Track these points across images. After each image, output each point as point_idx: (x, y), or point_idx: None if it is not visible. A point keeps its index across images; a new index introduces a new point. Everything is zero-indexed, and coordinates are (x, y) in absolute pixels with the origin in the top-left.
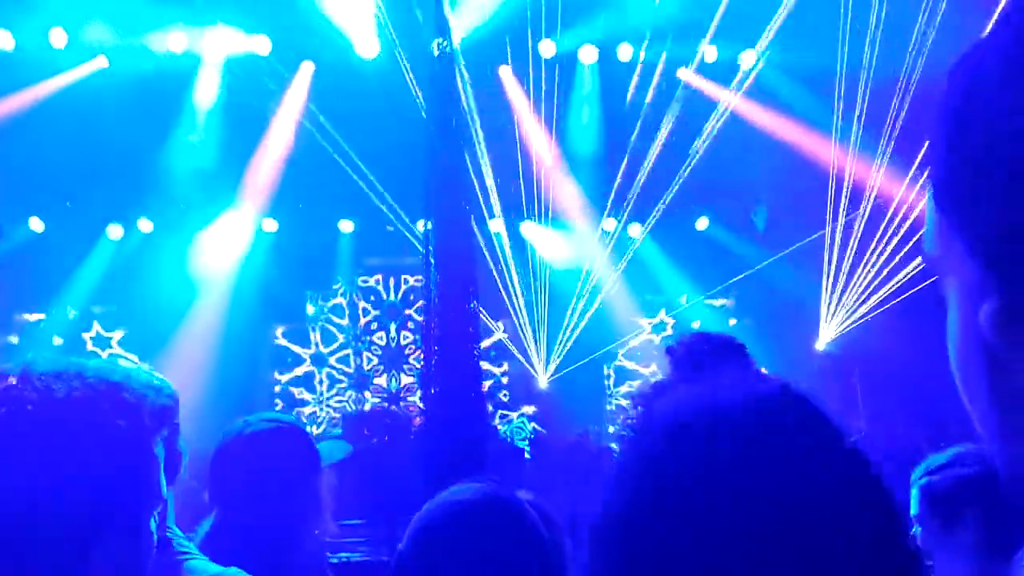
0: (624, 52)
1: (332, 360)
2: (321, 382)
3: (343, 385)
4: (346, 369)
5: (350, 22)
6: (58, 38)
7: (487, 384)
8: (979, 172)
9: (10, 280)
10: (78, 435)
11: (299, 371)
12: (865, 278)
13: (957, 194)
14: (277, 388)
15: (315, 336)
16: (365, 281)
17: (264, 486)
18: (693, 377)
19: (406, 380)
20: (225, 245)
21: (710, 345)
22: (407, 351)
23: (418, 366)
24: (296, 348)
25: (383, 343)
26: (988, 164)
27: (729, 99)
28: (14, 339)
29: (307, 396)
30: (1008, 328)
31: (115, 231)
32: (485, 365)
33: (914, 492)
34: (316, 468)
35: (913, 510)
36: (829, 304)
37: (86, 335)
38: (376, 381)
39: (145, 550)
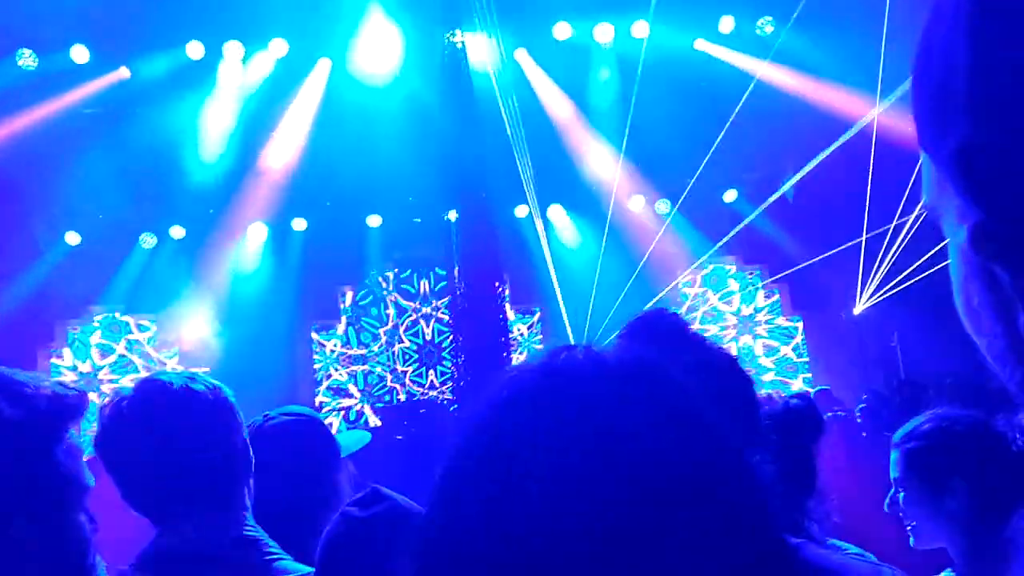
0: (640, 29)
1: (373, 358)
2: (364, 382)
3: (386, 380)
4: (386, 367)
5: (367, 22)
6: (79, 54)
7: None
8: (941, 98)
9: (52, 292)
10: None
11: (342, 371)
12: (900, 243)
13: (928, 125)
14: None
15: (356, 340)
16: (397, 275)
17: (285, 477)
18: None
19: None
20: (255, 245)
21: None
22: (442, 346)
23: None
24: (333, 345)
25: (419, 340)
26: (948, 88)
27: (750, 67)
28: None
29: (353, 390)
30: (986, 242)
31: (148, 240)
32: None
33: (895, 455)
34: (335, 458)
35: (893, 473)
36: (865, 269)
37: (127, 338)
38: (413, 377)
39: (70, 537)
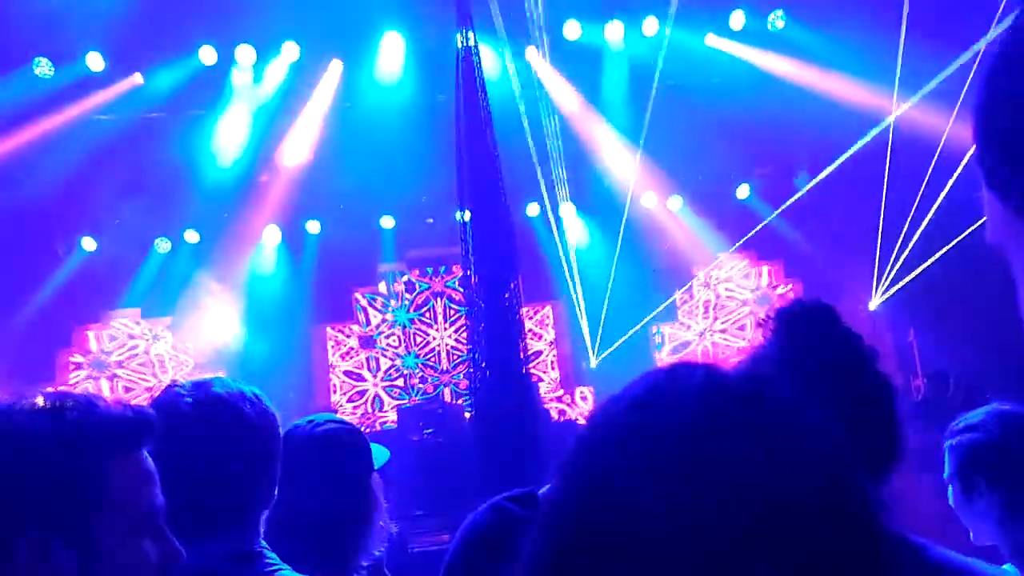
0: (650, 26)
1: (383, 342)
2: (376, 366)
3: (398, 364)
4: (399, 351)
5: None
6: (95, 62)
7: (535, 367)
8: (1014, 143)
9: (70, 296)
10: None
11: (355, 358)
12: (913, 235)
13: (999, 168)
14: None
15: (364, 320)
16: (410, 268)
17: (333, 481)
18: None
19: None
20: (269, 249)
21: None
22: (454, 326)
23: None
24: (346, 329)
25: (431, 321)
26: (1018, 132)
27: (762, 62)
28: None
29: (366, 374)
30: None
31: (163, 244)
32: (532, 346)
33: (945, 452)
34: (372, 466)
35: (945, 471)
36: (879, 263)
37: (143, 343)
38: (424, 360)
39: (124, 563)
